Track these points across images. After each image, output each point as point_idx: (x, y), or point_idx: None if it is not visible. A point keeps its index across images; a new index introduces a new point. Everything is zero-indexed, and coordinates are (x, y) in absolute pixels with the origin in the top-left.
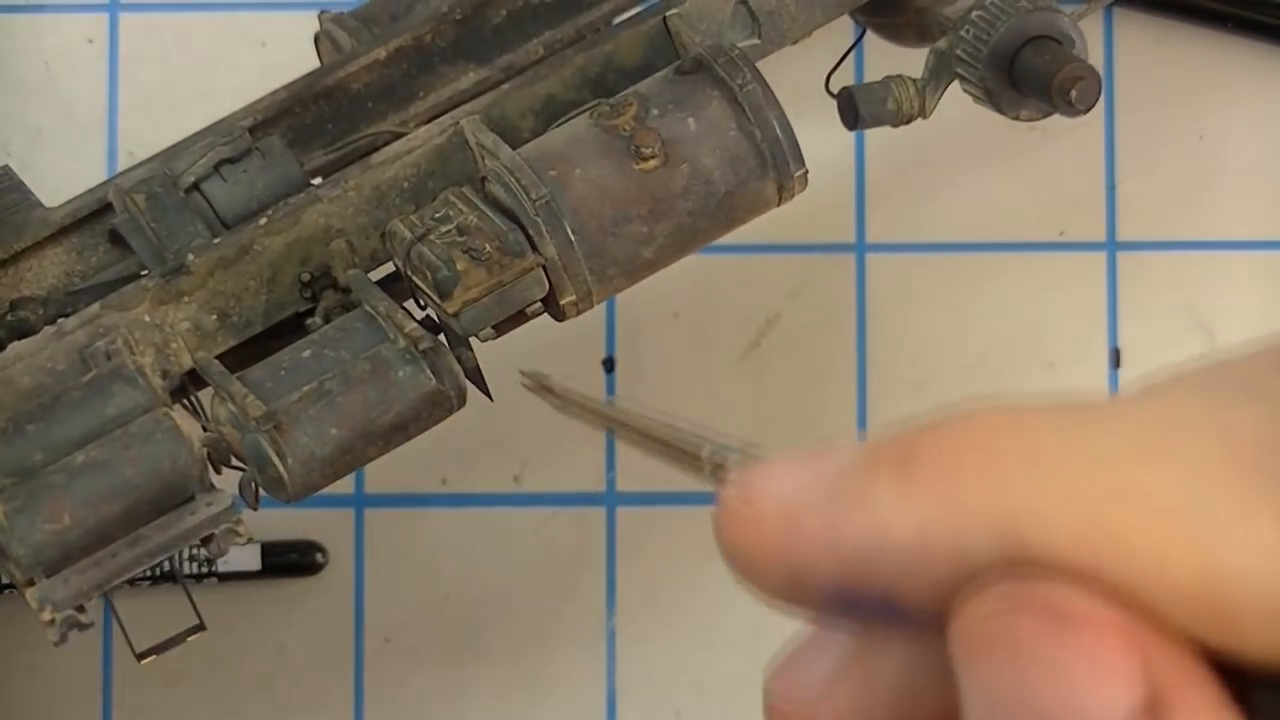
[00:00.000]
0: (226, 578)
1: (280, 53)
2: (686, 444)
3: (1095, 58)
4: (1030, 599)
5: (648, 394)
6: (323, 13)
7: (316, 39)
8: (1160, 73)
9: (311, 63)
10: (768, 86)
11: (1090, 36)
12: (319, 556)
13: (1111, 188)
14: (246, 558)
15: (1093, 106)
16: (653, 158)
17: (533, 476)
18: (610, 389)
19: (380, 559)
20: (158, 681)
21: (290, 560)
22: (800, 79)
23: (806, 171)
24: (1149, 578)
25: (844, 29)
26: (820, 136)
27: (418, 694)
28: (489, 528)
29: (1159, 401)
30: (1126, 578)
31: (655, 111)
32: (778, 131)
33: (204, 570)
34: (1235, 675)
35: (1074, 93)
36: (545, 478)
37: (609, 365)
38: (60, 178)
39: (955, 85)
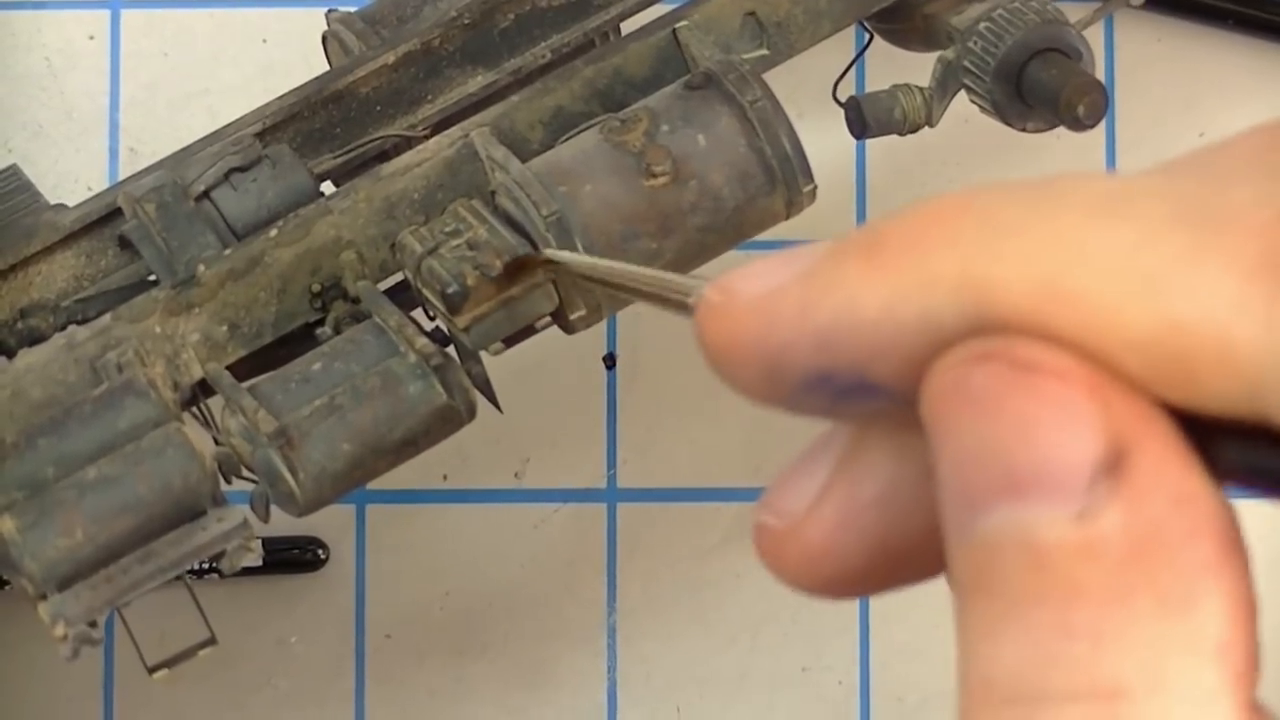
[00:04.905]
0: (227, 574)
1: (281, 49)
2: (676, 289)
3: (1095, 56)
4: (993, 352)
5: (648, 390)
6: (330, 12)
7: (324, 39)
8: (1161, 70)
9: (312, 59)
10: (777, 102)
11: (1090, 35)
12: (320, 553)
13: None
14: None
15: (1100, 121)
16: (663, 175)
17: (534, 473)
18: (611, 385)
19: (381, 555)
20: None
21: (291, 556)
22: (801, 78)
23: (815, 187)
24: (1108, 333)
25: (847, 32)
26: (821, 135)
27: (419, 690)
28: (490, 524)
29: (1114, 178)
30: (1087, 335)
31: (665, 127)
32: (787, 148)
33: (205, 566)
34: (1198, 428)
35: (1081, 108)
36: (546, 474)
37: (610, 361)
38: (61, 174)
39: None
